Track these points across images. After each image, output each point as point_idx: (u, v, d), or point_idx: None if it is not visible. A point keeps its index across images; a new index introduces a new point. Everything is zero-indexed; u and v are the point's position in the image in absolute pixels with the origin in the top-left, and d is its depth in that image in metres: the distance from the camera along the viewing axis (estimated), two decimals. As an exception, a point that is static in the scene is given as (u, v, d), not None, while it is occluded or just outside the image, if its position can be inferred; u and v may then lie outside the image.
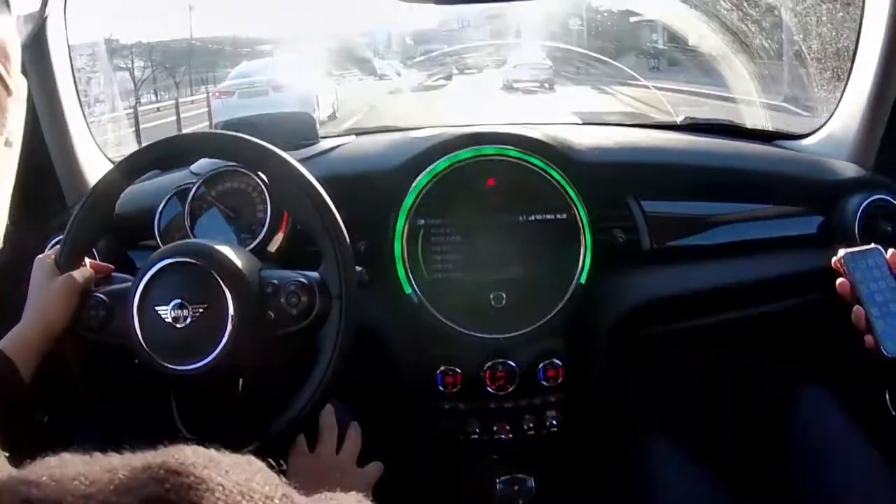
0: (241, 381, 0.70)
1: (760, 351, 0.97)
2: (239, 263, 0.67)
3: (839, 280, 0.67)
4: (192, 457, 0.25)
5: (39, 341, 0.65)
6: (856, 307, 0.66)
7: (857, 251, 0.68)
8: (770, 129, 1.21)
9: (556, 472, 0.85)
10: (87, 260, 0.72)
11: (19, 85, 0.39)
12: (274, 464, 0.29)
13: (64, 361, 0.68)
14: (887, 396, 0.96)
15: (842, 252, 0.68)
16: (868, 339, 0.65)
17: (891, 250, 0.67)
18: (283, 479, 0.28)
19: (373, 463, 0.75)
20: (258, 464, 0.27)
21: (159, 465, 0.24)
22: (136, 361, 0.69)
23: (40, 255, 0.71)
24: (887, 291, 0.65)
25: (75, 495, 0.22)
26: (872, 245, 0.68)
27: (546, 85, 7.78)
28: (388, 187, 0.85)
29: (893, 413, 0.95)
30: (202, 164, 0.92)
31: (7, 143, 0.38)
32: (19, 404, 0.60)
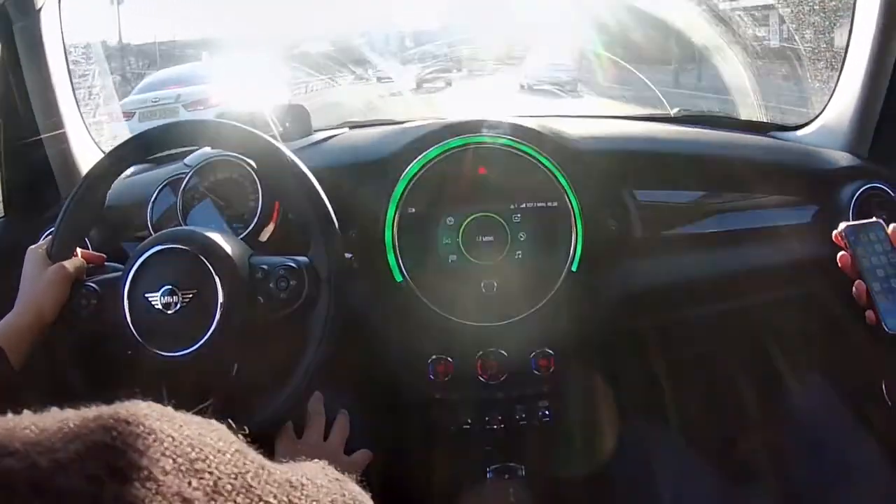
0: (232, 366, 0.70)
1: (756, 340, 0.97)
2: (228, 249, 0.67)
3: (840, 253, 0.65)
4: (145, 409, 0.24)
5: (30, 331, 0.65)
6: (857, 281, 0.64)
7: (859, 224, 0.66)
8: (764, 120, 1.21)
9: (547, 461, 0.85)
10: (78, 250, 0.72)
11: None
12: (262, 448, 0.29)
13: (55, 350, 0.68)
14: (884, 386, 0.96)
15: (843, 225, 0.66)
16: (869, 314, 0.63)
17: (892, 224, 0.66)
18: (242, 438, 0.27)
19: (360, 450, 0.74)
20: (218, 424, 0.27)
21: (110, 414, 0.23)
22: (129, 352, 0.69)
23: (32, 246, 0.71)
24: (889, 266, 0.63)
25: (23, 441, 0.21)
26: (874, 218, 0.66)
27: (569, 87, 7.15)
28: (379, 176, 0.85)
29: (889, 402, 0.94)
30: (195, 156, 0.92)
31: None
32: (9, 393, 0.60)
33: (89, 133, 1.00)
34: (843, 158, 0.98)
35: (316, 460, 0.32)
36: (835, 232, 0.67)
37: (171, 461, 0.22)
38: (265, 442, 0.71)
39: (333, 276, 0.66)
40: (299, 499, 0.25)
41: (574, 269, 0.82)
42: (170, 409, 0.26)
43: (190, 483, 0.22)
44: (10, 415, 0.23)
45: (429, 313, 0.81)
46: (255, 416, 0.65)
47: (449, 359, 0.83)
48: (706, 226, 0.94)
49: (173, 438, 0.23)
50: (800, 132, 1.08)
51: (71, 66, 0.93)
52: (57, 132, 0.92)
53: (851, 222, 0.67)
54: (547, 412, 0.86)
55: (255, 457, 0.26)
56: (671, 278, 0.91)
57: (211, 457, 0.24)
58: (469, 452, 0.85)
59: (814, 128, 1.06)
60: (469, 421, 0.85)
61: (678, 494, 0.82)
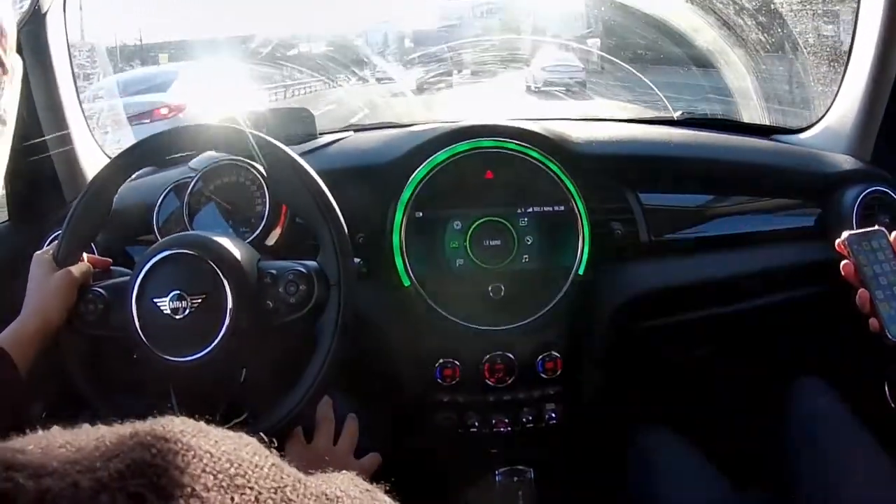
0: (241, 371, 0.70)
1: (759, 343, 0.97)
2: (237, 254, 0.67)
3: (843, 262, 0.66)
4: (180, 425, 0.25)
5: (37, 337, 0.65)
6: (860, 290, 0.64)
7: (862, 233, 0.66)
8: (767, 123, 1.22)
9: (555, 464, 0.85)
10: (84, 255, 0.72)
11: (14, 64, 0.39)
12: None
13: (62, 356, 0.68)
14: (887, 388, 0.96)
15: (846, 234, 0.67)
16: (873, 322, 0.64)
17: (894, 233, 0.66)
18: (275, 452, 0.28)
19: (370, 454, 0.75)
20: (249, 438, 0.27)
21: (147, 431, 0.23)
22: (135, 356, 0.69)
23: (38, 252, 0.71)
24: (892, 274, 0.64)
25: (60, 461, 0.22)
26: (877, 227, 0.67)
27: (578, 89, 7.03)
28: (386, 180, 0.85)
29: (893, 405, 0.94)
30: (201, 160, 0.92)
31: (1, 121, 0.38)
32: (17, 399, 0.60)
33: (94, 138, 0.99)
34: (847, 162, 0.99)
35: (345, 472, 0.32)
36: (838, 241, 0.68)
37: (211, 477, 0.23)
38: (276, 446, 0.72)
39: (343, 282, 0.66)
40: None
41: (580, 272, 0.83)
42: (204, 425, 0.26)
43: (233, 499, 0.22)
44: (39, 432, 0.23)
45: (436, 317, 0.81)
46: (264, 421, 0.65)
47: (456, 362, 0.83)
48: (710, 229, 0.95)
49: (211, 455, 0.24)
50: (803, 135, 1.08)
51: (76, 70, 0.93)
52: (62, 137, 0.92)
53: (854, 231, 0.67)
54: (554, 415, 0.86)
55: (291, 471, 0.26)
56: (676, 281, 0.92)
57: (250, 472, 0.24)
58: (477, 455, 0.86)
59: (817, 131, 1.07)
60: (476, 424, 0.85)
61: (684, 497, 0.82)
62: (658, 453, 0.85)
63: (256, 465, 0.24)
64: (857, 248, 0.66)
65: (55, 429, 0.24)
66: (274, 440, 0.30)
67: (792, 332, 0.97)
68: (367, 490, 0.30)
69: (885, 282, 0.64)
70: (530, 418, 0.86)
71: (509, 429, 0.86)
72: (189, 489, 0.22)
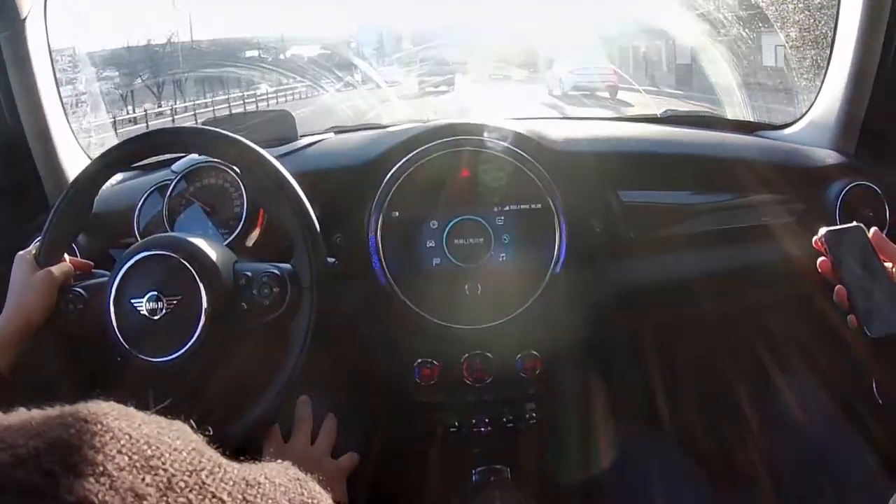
0: (216, 370, 0.70)
1: (743, 340, 0.97)
2: (213, 255, 0.68)
3: (820, 259, 0.66)
4: (105, 408, 0.25)
5: (18, 335, 0.65)
6: (837, 287, 0.64)
7: (839, 229, 0.66)
8: (751, 120, 1.21)
9: (535, 463, 0.85)
10: (66, 255, 0.73)
11: None
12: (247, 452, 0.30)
13: (42, 354, 0.68)
14: (874, 384, 0.95)
15: (823, 230, 0.66)
16: (851, 318, 0.63)
17: (873, 229, 0.65)
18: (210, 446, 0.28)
19: (347, 454, 0.75)
20: (179, 424, 0.27)
21: (71, 413, 0.24)
22: (115, 357, 0.69)
23: (21, 252, 0.72)
24: (869, 270, 0.63)
25: None
26: (854, 223, 0.66)
27: (610, 94, 6.47)
28: (363, 180, 0.85)
29: (880, 401, 0.94)
30: (182, 163, 0.93)
31: None
32: None
33: (77, 140, 1.00)
34: (830, 156, 0.98)
35: (279, 461, 0.33)
36: (814, 238, 0.67)
37: (126, 458, 0.23)
38: (252, 445, 0.72)
39: (315, 284, 0.66)
40: (254, 496, 0.26)
41: (558, 270, 0.82)
42: (132, 409, 0.27)
43: (143, 479, 0.23)
44: None
45: (414, 317, 0.81)
46: (237, 420, 0.66)
47: (434, 362, 0.84)
48: (693, 226, 0.94)
49: (130, 436, 0.24)
50: (787, 131, 1.08)
51: (58, 74, 0.94)
52: (44, 141, 0.92)
53: (831, 227, 0.66)
54: (534, 414, 0.86)
55: (211, 455, 0.26)
56: (658, 279, 0.91)
57: (166, 454, 0.24)
58: (457, 455, 0.85)
59: (800, 126, 1.06)
60: (456, 423, 0.85)
61: (668, 497, 0.82)
62: (641, 453, 0.85)
63: (175, 449, 0.25)
64: (833, 244, 0.65)
65: None
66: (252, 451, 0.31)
67: (776, 329, 0.97)
68: (297, 479, 0.31)
69: (862, 278, 0.63)
70: (510, 417, 0.86)
71: (489, 428, 0.85)
72: (101, 468, 0.22)
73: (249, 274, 0.69)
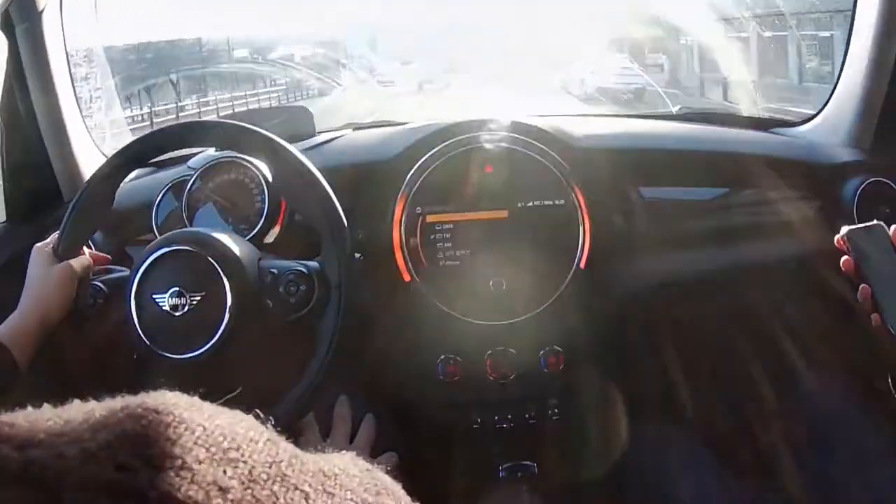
0: (240, 369, 0.70)
1: (764, 335, 0.97)
2: (237, 252, 0.67)
3: (843, 258, 0.65)
4: (173, 399, 0.24)
5: (37, 329, 0.64)
6: (862, 286, 0.64)
7: (861, 227, 0.66)
8: (767, 116, 1.22)
9: (559, 460, 0.85)
10: (84, 249, 0.71)
11: None
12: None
13: (61, 349, 0.67)
14: (890, 381, 0.96)
15: (845, 229, 0.66)
16: (875, 317, 0.63)
17: (893, 227, 0.65)
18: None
19: (386, 454, 0.74)
20: (245, 415, 0.27)
21: (138, 404, 0.23)
22: (136, 353, 0.68)
23: (38, 244, 0.70)
24: (892, 268, 0.63)
25: (48, 433, 0.21)
26: (875, 221, 0.66)
27: (635, 97, 5.74)
28: (386, 176, 0.85)
29: (896, 396, 0.94)
30: (199, 159, 0.92)
31: None
32: (15, 391, 0.60)
33: (91, 137, 0.99)
34: (846, 153, 0.99)
35: (345, 452, 0.32)
36: (837, 237, 0.67)
37: (203, 450, 0.22)
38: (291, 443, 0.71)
39: (344, 283, 0.65)
40: (333, 487, 0.25)
41: (582, 266, 0.82)
42: (198, 400, 0.26)
43: (225, 472, 0.22)
44: (28, 409, 0.23)
45: (437, 313, 0.81)
46: (265, 418, 0.65)
47: (458, 358, 0.83)
48: (712, 222, 0.95)
49: (204, 428, 0.23)
50: (802, 128, 1.08)
51: (73, 70, 0.93)
52: (60, 137, 0.91)
53: (853, 226, 0.67)
54: (557, 410, 0.86)
55: (286, 446, 0.26)
56: (678, 274, 0.91)
57: (244, 446, 0.23)
58: (480, 452, 0.85)
59: (816, 123, 1.07)
60: (479, 420, 0.85)
61: (691, 491, 0.82)
62: (664, 448, 0.85)
63: (251, 440, 0.24)
64: (855, 242, 0.65)
65: (46, 406, 0.24)
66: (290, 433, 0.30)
67: (795, 324, 0.97)
68: (368, 469, 0.30)
69: (886, 276, 0.63)
70: (533, 414, 0.85)
71: (512, 424, 0.85)
72: (180, 461, 0.21)
73: (275, 271, 0.68)
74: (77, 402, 0.25)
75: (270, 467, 0.23)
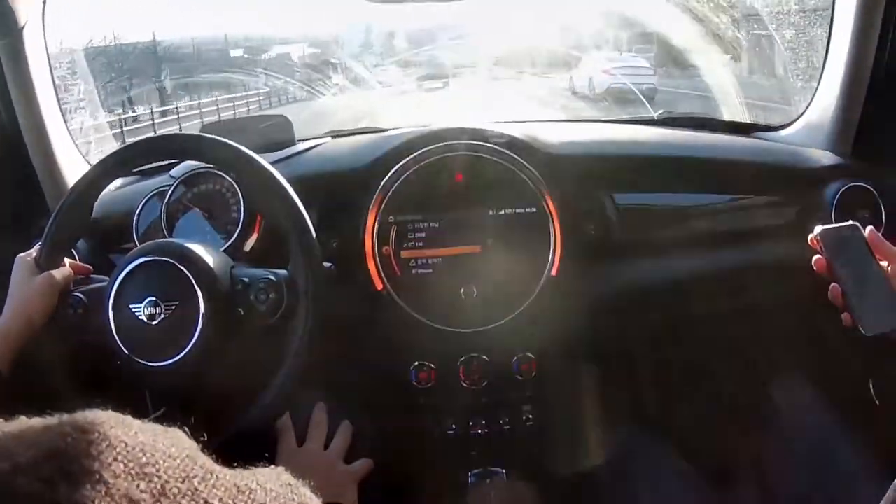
0: (213, 375, 0.71)
1: (739, 341, 0.97)
2: (210, 261, 0.68)
3: (815, 257, 0.65)
4: (103, 417, 0.26)
5: (18, 338, 0.66)
6: (832, 285, 0.64)
7: (834, 227, 0.66)
8: (747, 121, 1.21)
9: (532, 465, 0.86)
10: (66, 260, 0.73)
11: None
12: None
13: (42, 358, 0.69)
14: (871, 385, 0.95)
15: (818, 229, 0.66)
16: (846, 317, 0.63)
17: (868, 228, 0.65)
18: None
19: (361, 460, 0.75)
20: (175, 431, 0.28)
21: (69, 422, 0.25)
22: (118, 362, 0.70)
23: (21, 254, 0.72)
24: (864, 268, 0.63)
25: None
26: (850, 221, 0.66)
27: (648, 98, 5.38)
28: (358, 185, 0.86)
29: (877, 402, 0.94)
30: (180, 168, 0.93)
31: None
32: None
33: (76, 146, 1.01)
34: (826, 157, 0.99)
35: (272, 467, 0.33)
36: (810, 236, 0.67)
37: (122, 465, 0.24)
38: (267, 449, 0.73)
39: (312, 290, 0.67)
40: (245, 502, 0.27)
41: (553, 273, 0.83)
42: (128, 418, 0.27)
43: (138, 486, 0.24)
44: None
45: (410, 320, 0.82)
46: (232, 425, 0.66)
47: (431, 365, 0.84)
48: (689, 228, 0.95)
49: (125, 444, 0.25)
50: (783, 132, 1.08)
51: (56, 81, 0.94)
52: (44, 147, 0.93)
53: (826, 226, 0.66)
54: (530, 416, 0.87)
55: (204, 462, 0.27)
56: (654, 281, 0.91)
57: (161, 462, 0.25)
58: (454, 458, 0.86)
59: (797, 127, 1.06)
60: (453, 426, 0.86)
61: (663, 499, 0.82)
62: (638, 456, 0.85)
63: (169, 456, 0.26)
64: (829, 242, 0.65)
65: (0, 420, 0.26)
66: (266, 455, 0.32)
67: (773, 330, 0.97)
68: (289, 484, 0.31)
69: (857, 276, 0.63)
70: (507, 420, 0.86)
71: (486, 431, 0.86)
72: (97, 475, 0.23)
73: (246, 279, 0.69)
74: (23, 418, 0.27)
75: (183, 482, 0.25)
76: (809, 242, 0.67)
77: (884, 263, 0.64)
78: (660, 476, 0.83)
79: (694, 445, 0.84)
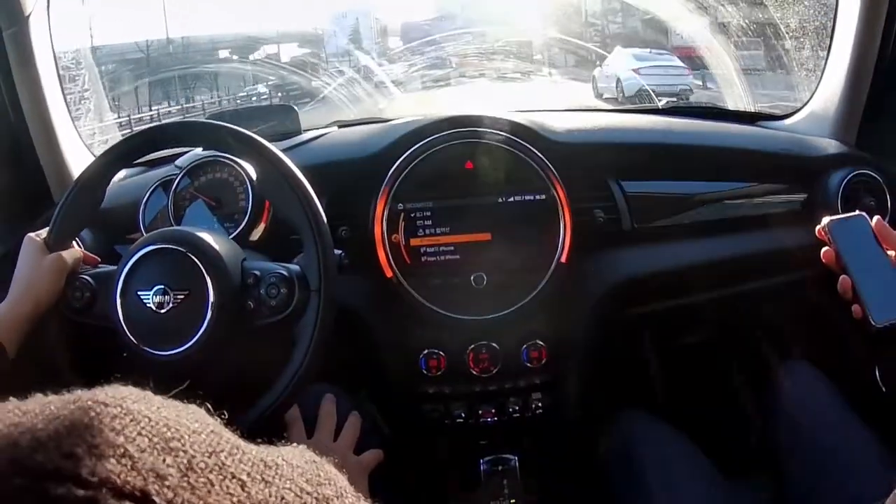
0: (220, 367, 0.71)
1: (747, 329, 0.97)
2: (221, 252, 0.68)
3: (824, 249, 0.65)
4: (125, 392, 0.26)
5: (26, 320, 0.65)
6: (842, 277, 0.63)
7: (842, 218, 0.66)
8: (752, 110, 1.22)
9: (541, 452, 0.85)
10: (74, 243, 0.72)
11: None
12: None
13: (48, 340, 0.68)
14: (877, 373, 0.96)
15: (826, 220, 0.66)
16: (855, 308, 0.63)
17: (875, 217, 0.65)
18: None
19: (371, 450, 0.75)
20: (195, 407, 0.28)
21: (90, 397, 0.25)
22: (124, 351, 0.69)
23: (30, 234, 0.71)
24: (873, 259, 0.63)
25: (6, 423, 0.23)
26: (857, 212, 0.66)
27: (682, 98, 4.33)
28: (367, 173, 0.85)
29: (883, 389, 0.94)
30: (186, 158, 0.93)
31: None
32: (3, 381, 0.61)
33: (81, 138, 1.00)
34: (831, 146, 0.99)
35: (295, 444, 0.33)
36: (818, 227, 0.67)
37: (146, 440, 0.24)
38: (276, 441, 0.72)
39: (324, 287, 0.66)
40: (273, 477, 0.26)
41: (563, 260, 0.83)
42: (150, 393, 0.27)
43: (164, 460, 0.23)
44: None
45: (419, 308, 0.82)
46: (240, 418, 0.66)
47: (440, 353, 0.84)
48: (696, 215, 0.95)
49: (149, 419, 0.25)
50: (788, 121, 1.08)
51: (61, 72, 0.94)
52: (49, 138, 0.93)
53: (834, 217, 0.66)
54: (540, 404, 0.86)
55: (230, 437, 0.27)
56: (661, 268, 0.91)
57: (186, 436, 0.25)
58: (464, 446, 0.86)
59: (802, 116, 1.07)
60: (463, 415, 0.86)
61: (672, 485, 0.82)
62: (644, 441, 0.85)
63: (194, 431, 0.25)
64: (837, 233, 0.65)
65: (12, 399, 0.25)
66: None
67: (780, 318, 0.97)
68: (314, 461, 0.31)
69: (866, 267, 0.63)
70: (517, 408, 0.86)
71: (496, 419, 0.86)
72: (122, 449, 0.23)
73: (258, 273, 0.68)
74: (39, 395, 0.26)
75: (210, 457, 0.25)
76: (817, 233, 0.67)
77: (891, 253, 0.64)
78: (670, 462, 0.83)
79: (703, 431, 0.84)
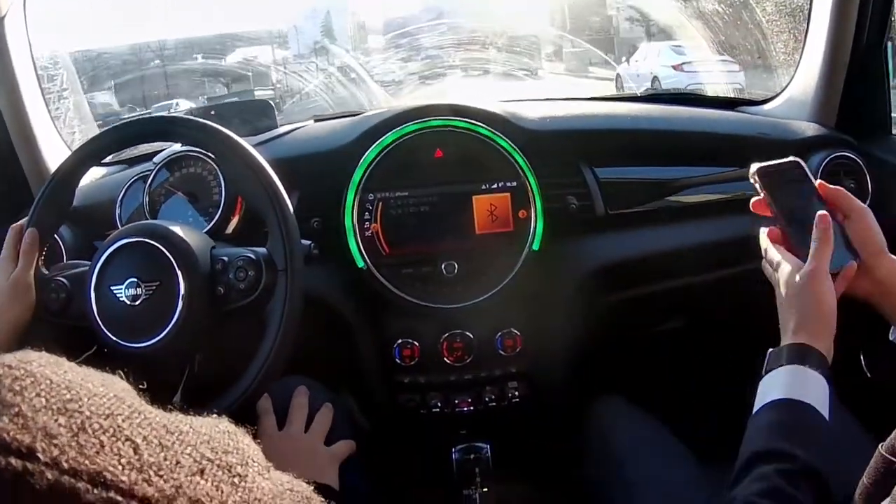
0: (194, 355, 0.71)
1: (725, 314, 0.96)
2: (189, 241, 0.69)
3: (754, 199, 0.61)
4: (33, 356, 0.27)
5: (10, 338, 0.66)
6: (770, 228, 0.60)
7: (773, 164, 0.60)
8: (731, 96, 1.21)
9: (515, 440, 0.85)
10: (26, 236, 0.72)
11: None
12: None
13: (36, 345, 0.69)
14: (862, 358, 0.95)
15: (755, 166, 0.60)
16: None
17: (818, 181, 0.60)
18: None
19: (343, 441, 0.75)
20: (112, 376, 0.28)
21: (2, 361, 0.26)
22: (103, 346, 0.70)
23: (13, 224, 0.72)
24: (807, 205, 0.58)
25: None
26: (791, 158, 0.60)
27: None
28: (338, 164, 0.86)
29: (868, 375, 0.93)
30: (164, 154, 0.94)
31: None
32: None
33: (62, 138, 1.02)
34: (810, 128, 0.98)
35: (214, 415, 0.33)
36: (750, 172, 0.61)
37: (43, 400, 0.24)
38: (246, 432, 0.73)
39: (290, 267, 0.67)
40: (172, 442, 0.27)
41: (535, 247, 0.83)
42: (63, 360, 0.28)
43: (57, 420, 0.24)
44: None
45: (391, 297, 0.82)
46: (216, 404, 0.66)
47: (414, 342, 0.84)
48: (672, 200, 0.94)
49: (51, 381, 0.25)
50: (767, 106, 1.08)
51: (39, 72, 0.95)
52: (28, 137, 0.94)
53: (765, 163, 0.61)
54: (517, 393, 0.86)
55: (133, 402, 0.27)
56: (636, 254, 0.91)
57: (85, 399, 0.25)
58: (439, 436, 0.86)
59: (781, 101, 1.06)
60: (439, 404, 0.86)
61: (650, 473, 0.81)
62: (620, 427, 0.85)
63: (95, 395, 0.26)
64: (768, 181, 0.60)
65: None
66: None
67: (759, 302, 0.96)
68: (228, 432, 0.31)
69: (799, 214, 0.58)
70: (493, 397, 0.86)
71: (472, 408, 0.86)
72: (16, 409, 0.24)
73: (225, 258, 0.69)
74: None
75: (106, 419, 0.25)
76: (749, 180, 0.62)
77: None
78: (646, 449, 0.83)
79: (681, 419, 0.84)
